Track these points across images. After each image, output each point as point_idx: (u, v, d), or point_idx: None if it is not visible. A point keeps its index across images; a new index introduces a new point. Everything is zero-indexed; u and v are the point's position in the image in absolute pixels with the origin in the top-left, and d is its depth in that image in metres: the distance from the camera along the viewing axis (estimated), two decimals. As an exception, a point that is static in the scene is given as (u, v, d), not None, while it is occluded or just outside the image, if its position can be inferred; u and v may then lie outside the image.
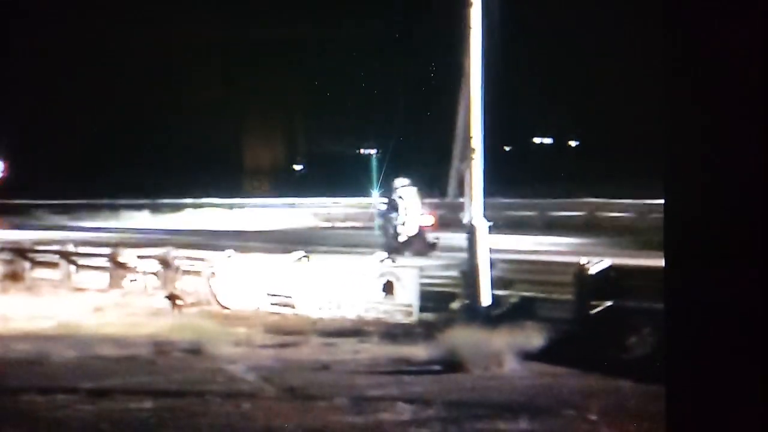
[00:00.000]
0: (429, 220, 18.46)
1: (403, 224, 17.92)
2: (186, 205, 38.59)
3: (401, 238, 18.20)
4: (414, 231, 17.93)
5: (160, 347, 12.96)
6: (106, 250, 19.01)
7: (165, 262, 17.58)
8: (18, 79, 46.47)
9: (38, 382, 10.92)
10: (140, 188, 40.07)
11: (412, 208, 18.05)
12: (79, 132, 49.22)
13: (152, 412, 9.71)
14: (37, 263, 19.35)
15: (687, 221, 2.75)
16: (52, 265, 19.04)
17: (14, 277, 18.98)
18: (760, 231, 2.64)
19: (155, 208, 37.96)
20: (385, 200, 18.78)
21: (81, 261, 18.80)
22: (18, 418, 9.61)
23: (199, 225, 32.74)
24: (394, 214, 18.15)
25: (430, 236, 18.44)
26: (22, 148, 45.68)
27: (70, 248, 19.40)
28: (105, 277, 18.16)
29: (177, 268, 17.45)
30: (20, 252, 19.97)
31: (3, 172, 46.18)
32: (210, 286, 16.78)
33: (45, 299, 17.39)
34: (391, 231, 18.25)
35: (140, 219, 35.93)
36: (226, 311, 16.15)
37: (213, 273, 16.90)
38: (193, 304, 16.57)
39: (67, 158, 46.53)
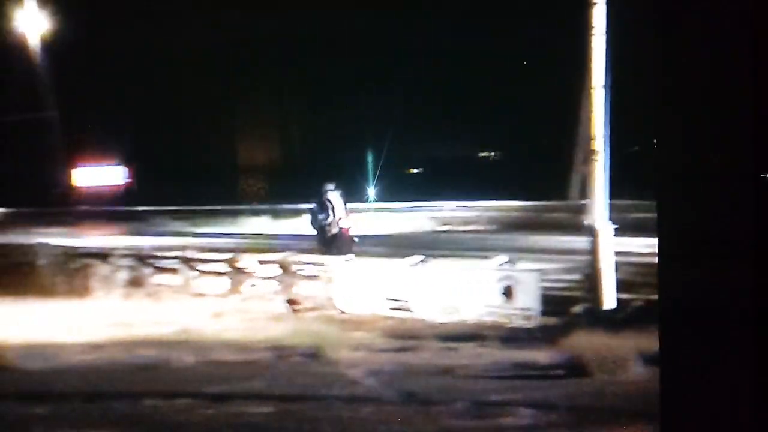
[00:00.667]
0: (349, 222, 20.60)
1: (329, 224, 20.23)
2: (305, 211, 39.02)
3: (327, 236, 20.31)
4: (336, 230, 20.23)
5: (280, 352, 13.18)
6: (226, 256, 19.38)
7: (284, 267, 17.84)
8: (141, 85, 47.75)
9: (160, 386, 11.21)
10: (259, 194, 40.75)
11: (337, 210, 20.37)
12: (201, 139, 50.34)
13: (272, 417, 9.87)
14: (158, 269, 19.84)
15: (680, 221, 2.77)
16: (173, 270, 19.50)
17: (136, 283, 19.51)
18: (751, 230, 2.65)
19: (274, 214, 38.54)
20: (314, 203, 21.18)
21: (201, 267, 19.21)
22: (140, 423, 9.87)
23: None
24: (322, 215, 20.47)
25: (351, 235, 20.63)
26: (145, 155, 46.95)
27: (190, 254, 19.85)
28: (225, 282, 18.51)
29: (296, 273, 17.70)
30: (142, 258, 20.51)
31: (129, 179, 47.58)
32: (328, 291, 16.97)
33: (166, 305, 17.85)
34: (319, 229, 20.55)
35: (259, 224, 36.52)
36: (344, 316, 16.31)
37: (331, 277, 17.09)
38: (311, 309, 16.79)
39: (188, 165, 47.61)
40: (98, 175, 48.65)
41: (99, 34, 45.38)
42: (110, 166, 48.67)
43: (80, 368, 12.59)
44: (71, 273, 20.45)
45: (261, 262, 18.37)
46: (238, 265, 18.51)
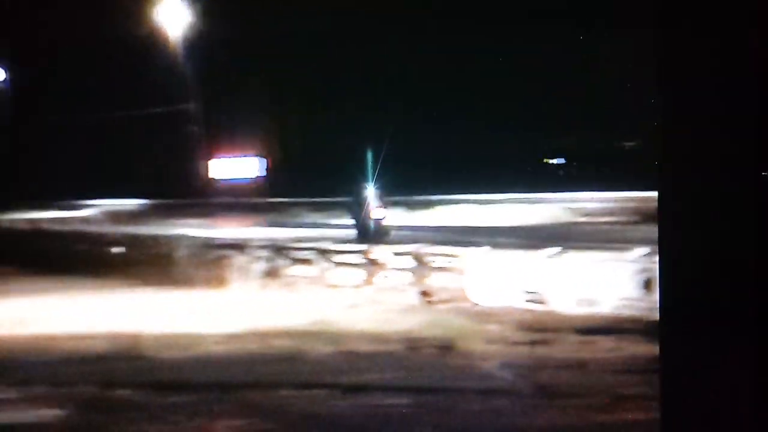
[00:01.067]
0: (382, 213, 23.59)
1: (365, 215, 23.14)
2: (439, 202, 39.08)
3: (363, 225, 23.10)
4: (371, 220, 23.13)
5: (414, 343, 13.26)
6: (360, 247, 19.58)
7: (418, 259, 17.94)
8: (277, 78, 48.44)
9: (295, 377, 11.42)
10: (392, 185, 40.88)
11: (371, 203, 23.30)
12: (334, 130, 50.85)
13: (406, 408, 9.95)
14: (294, 260, 20.19)
15: (682, 222, 2.78)
16: (308, 262, 19.81)
17: (272, 274, 19.90)
18: (753, 231, 2.67)
19: (408, 205, 38.68)
20: (352, 196, 24.33)
21: (336, 258, 19.46)
22: (276, 413, 10.08)
23: (452, 221, 33.10)
24: (357, 207, 23.51)
25: (385, 226, 23.55)
26: (280, 147, 47.67)
27: (325, 245, 20.14)
28: (359, 273, 18.72)
29: (430, 265, 17.77)
30: (278, 249, 20.89)
31: (265, 171, 48.41)
32: (463, 283, 16.98)
33: (301, 295, 18.17)
34: (355, 218, 23.62)
35: (394, 216, 36.68)
36: (478, 308, 16.29)
37: (466, 269, 17.10)
38: (445, 301, 16.83)
39: (322, 156, 48.14)
40: (235, 167, 49.61)
41: (239, 26, 46.22)
42: (247, 158, 49.55)
43: (217, 358, 12.92)
44: (209, 264, 21.00)
45: (395, 254, 18.51)
46: (372, 256, 18.69)
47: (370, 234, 22.49)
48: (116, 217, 37.22)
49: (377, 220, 23.32)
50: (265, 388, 11.09)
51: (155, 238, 25.10)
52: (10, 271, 23.48)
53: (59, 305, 18.00)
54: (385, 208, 23.76)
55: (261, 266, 20.21)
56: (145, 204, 41.88)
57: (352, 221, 23.93)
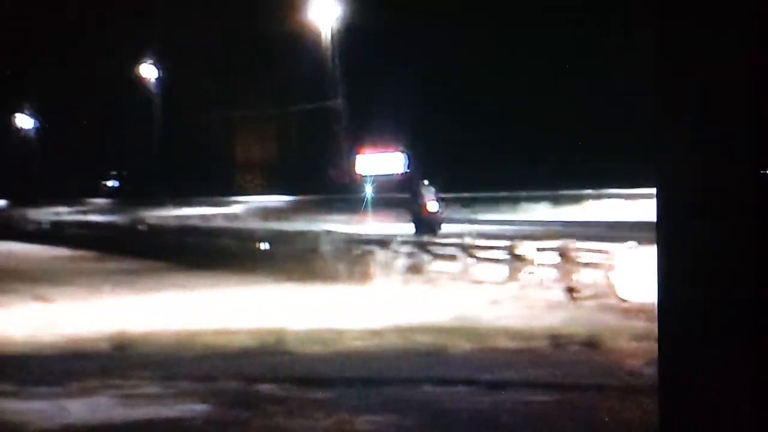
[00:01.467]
0: (436, 206, 25.68)
1: (421, 208, 25.34)
2: (586, 196, 38.49)
3: (419, 220, 25.27)
4: (426, 214, 25.25)
5: (557, 340, 13.03)
6: (505, 243, 19.40)
7: (564, 255, 17.65)
8: (425, 74, 48.52)
9: (437, 373, 11.36)
10: (540, 179, 40.45)
11: (427, 198, 25.36)
12: (481, 125, 50.63)
13: (549, 406, 9.78)
14: (437, 256, 20.16)
15: (679, 218, 2.81)
16: (452, 257, 19.74)
17: (415, 269, 19.91)
18: (751, 228, 2.67)
19: (555, 200, 38.22)
20: (408, 192, 26.87)
21: (479, 253, 19.33)
22: (417, 409, 10.02)
23: (599, 216, 32.55)
24: (414, 202, 25.70)
25: (438, 219, 25.71)
26: (422, 141, 47.75)
27: (469, 241, 20.03)
28: (503, 269, 18.54)
29: (576, 261, 17.47)
30: (421, 245, 20.91)
31: (407, 168, 48.58)
32: (609, 279, 16.63)
33: (444, 291, 18.11)
34: (412, 213, 25.92)
35: (539, 211, 36.34)
36: (625, 304, 15.91)
37: (613, 265, 16.73)
38: (591, 297, 16.51)
39: (467, 151, 47.99)
40: (380, 163, 49.94)
41: (386, 22, 46.49)
42: (392, 154, 49.83)
43: (359, 354, 12.96)
44: (352, 259, 21.16)
45: (539, 250, 18.27)
46: (517, 252, 18.48)
47: (425, 228, 24.53)
48: (263, 213, 37.93)
49: (432, 214, 25.36)
50: (407, 384, 11.07)
51: (300, 234, 25.46)
52: (159, 266, 24.20)
53: (205, 300, 18.43)
54: (438, 201, 25.81)
55: (404, 262, 20.24)
56: (292, 200, 42.57)
57: (410, 217, 26.07)
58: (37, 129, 66.92)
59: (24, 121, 66.89)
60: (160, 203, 43.71)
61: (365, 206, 38.14)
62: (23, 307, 18.40)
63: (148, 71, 57.77)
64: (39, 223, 38.83)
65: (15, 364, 12.85)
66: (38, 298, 19.42)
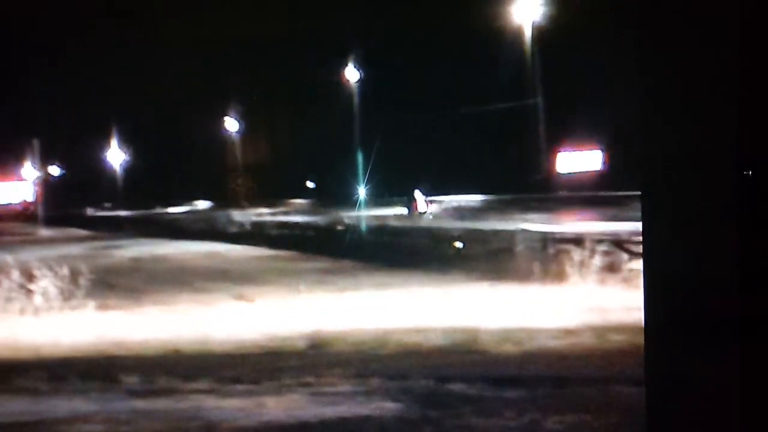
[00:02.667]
0: (424, 206, 36.44)
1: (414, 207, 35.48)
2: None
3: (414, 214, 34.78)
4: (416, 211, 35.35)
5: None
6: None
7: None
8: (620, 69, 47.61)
9: (631, 372, 11.10)
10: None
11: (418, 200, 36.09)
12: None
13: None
14: (635, 255, 19.70)
15: (665, 229, 2.83)
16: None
17: (612, 268, 19.53)
18: (735, 231, 2.71)
19: None
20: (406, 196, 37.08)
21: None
22: (611, 409, 9.85)
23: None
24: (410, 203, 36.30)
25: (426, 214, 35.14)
26: (620, 139, 46.85)
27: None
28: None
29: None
30: (619, 244, 20.48)
31: (604, 164, 47.78)
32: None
33: (640, 291, 17.64)
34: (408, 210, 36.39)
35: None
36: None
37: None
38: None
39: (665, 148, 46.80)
40: (578, 161, 49.33)
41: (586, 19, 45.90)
42: (590, 152, 49.15)
43: (551, 352, 12.84)
44: (548, 258, 20.94)
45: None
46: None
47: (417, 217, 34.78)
48: (458, 212, 38.04)
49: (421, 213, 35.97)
50: (600, 384, 10.87)
51: (496, 233, 25.38)
52: (355, 265, 24.60)
53: (399, 299, 18.62)
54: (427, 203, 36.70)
55: (600, 261, 19.88)
56: (486, 199, 42.53)
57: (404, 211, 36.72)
58: (239, 132, 69.19)
59: (230, 125, 69.28)
60: (359, 203, 44.49)
61: (561, 204, 37.74)
62: (224, 306, 19.09)
63: (351, 74, 58.88)
64: (241, 224, 40.16)
65: (215, 362, 13.34)
66: (239, 297, 20.10)
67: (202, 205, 63.37)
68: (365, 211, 38.91)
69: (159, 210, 61.63)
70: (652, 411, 2.95)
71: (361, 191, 45.78)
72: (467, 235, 25.80)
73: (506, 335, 13.96)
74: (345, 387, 11.46)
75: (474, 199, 43.23)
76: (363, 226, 33.61)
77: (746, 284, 2.80)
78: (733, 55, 2.78)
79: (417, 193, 37.11)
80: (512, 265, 21.09)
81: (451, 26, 47.90)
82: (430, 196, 40.75)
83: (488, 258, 22.14)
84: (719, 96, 2.80)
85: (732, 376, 2.78)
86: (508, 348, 13.19)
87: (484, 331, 14.22)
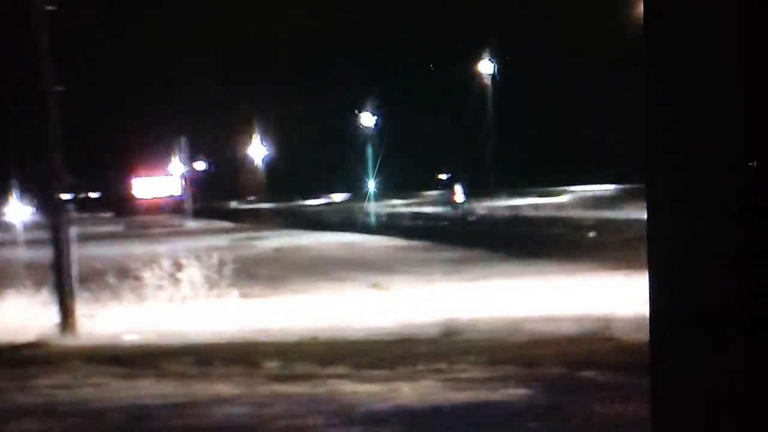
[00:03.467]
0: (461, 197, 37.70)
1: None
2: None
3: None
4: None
5: None
6: None
7: None
8: None
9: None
10: None
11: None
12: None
13: None
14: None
15: (669, 223, 2.78)
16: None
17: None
18: (740, 231, 2.66)
19: None
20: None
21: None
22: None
23: None
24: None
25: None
26: None
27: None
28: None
29: None
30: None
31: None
32: None
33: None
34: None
35: None
36: None
37: None
38: None
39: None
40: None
41: None
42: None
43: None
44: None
45: None
46: None
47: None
48: (591, 202, 37.57)
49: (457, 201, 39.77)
50: None
51: (628, 223, 25.00)
52: (487, 255, 24.59)
53: (531, 288, 18.54)
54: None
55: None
56: (620, 188, 41.85)
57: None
58: (377, 126, 69.62)
59: (366, 120, 69.79)
60: (492, 193, 44.36)
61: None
62: (361, 294, 19.34)
63: (485, 67, 58.68)
64: (377, 215, 40.53)
65: (352, 348, 13.53)
66: (374, 285, 20.31)
67: (339, 197, 64.12)
68: (496, 201, 38.78)
69: (299, 202, 62.67)
70: (657, 405, 2.86)
71: (490, 181, 45.77)
72: (601, 225, 25.49)
73: (640, 324, 13.76)
74: (477, 373, 11.50)
75: (607, 188, 42.60)
76: (494, 215, 33.50)
77: (751, 277, 2.71)
78: (738, 48, 2.78)
79: (456, 185, 42.35)
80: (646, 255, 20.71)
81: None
82: (564, 185, 41.06)
83: (622, 248, 21.82)
84: (723, 90, 2.78)
85: (737, 370, 2.72)
86: (641, 336, 12.99)
87: (617, 319, 14.05)
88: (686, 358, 2.79)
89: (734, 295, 2.73)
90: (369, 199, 52.90)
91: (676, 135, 2.83)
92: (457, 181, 42.44)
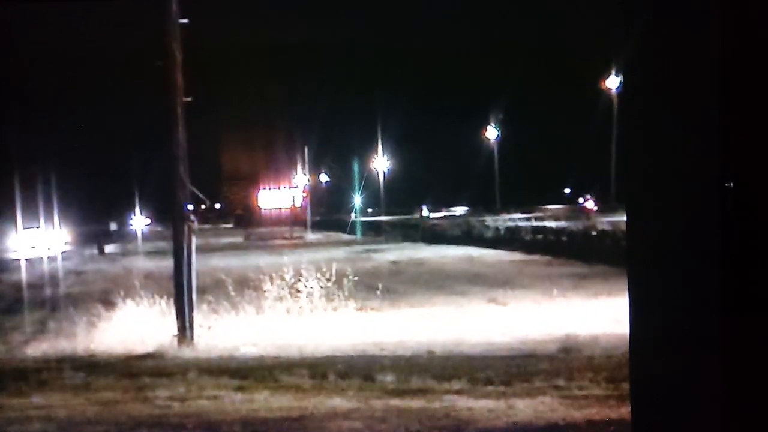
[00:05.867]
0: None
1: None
2: None
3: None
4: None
5: None
6: None
7: None
8: None
9: None
10: None
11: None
12: None
13: None
14: None
15: (649, 224, 2.93)
16: None
17: None
18: (717, 233, 2.80)
19: None
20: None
21: None
22: None
23: None
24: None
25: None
26: None
27: None
28: None
29: None
30: None
31: None
32: None
33: None
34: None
35: None
36: None
37: None
38: None
39: None
40: None
41: None
42: None
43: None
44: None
45: None
46: None
47: None
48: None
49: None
50: None
51: None
52: (609, 270, 24.10)
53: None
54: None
55: None
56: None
57: None
58: (499, 140, 69.60)
59: (490, 133, 69.83)
60: (615, 208, 43.71)
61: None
62: (478, 308, 19.20)
63: (613, 83, 58.00)
64: (496, 228, 40.29)
65: (468, 364, 13.42)
66: (492, 300, 20.15)
67: (460, 210, 64.00)
68: (619, 216, 38.17)
69: (418, 215, 62.65)
70: (637, 421, 3.03)
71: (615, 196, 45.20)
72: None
73: None
74: (596, 391, 11.27)
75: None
76: (618, 230, 32.93)
77: (728, 298, 2.87)
78: (716, 71, 2.87)
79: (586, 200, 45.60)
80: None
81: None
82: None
83: None
84: (701, 113, 2.89)
85: (714, 387, 2.86)
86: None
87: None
88: (664, 375, 2.94)
89: (712, 316, 2.86)
90: (489, 213, 52.69)
91: (655, 161, 2.95)
92: (584, 195, 41.46)
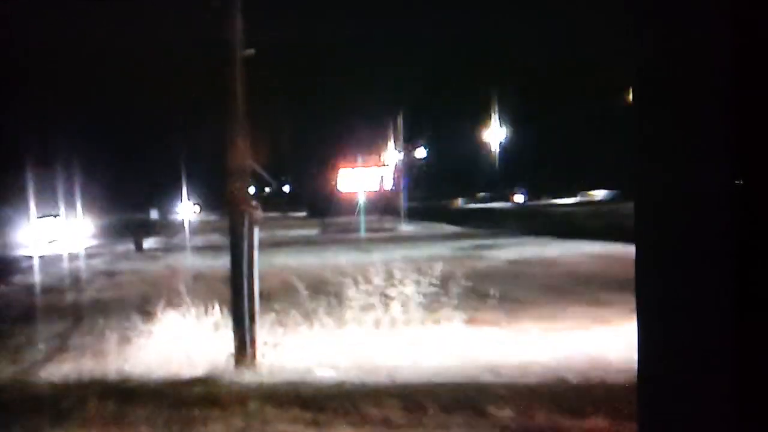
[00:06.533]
0: None
1: None
2: None
3: None
4: None
5: None
6: None
7: None
8: None
9: None
10: None
11: None
12: None
13: None
14: None
15: (658, 221, 3.35)
16: None
17: None
18: (729, 230, 3.19)
19: None
20: None
21: None
22: None
23: None
24: None
25: None
26: None
27: None
28: None
29: None
30: None
31: None
32: None
33: None
34: None
35: None
36: None
37: None
38: None
39: None
40: None
41: None
42: None
43: None
44: None
45: None
46: None
47: None
48: None
49: None
50: None
51: None
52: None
53: None
54: None
55: None
56: None
57: None
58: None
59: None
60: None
61: None
62: (625, 322, 18.93)
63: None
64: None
65: (610, 394, 13.21)
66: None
67: (600, 194, 63.55)
68: None
69: (545, 201, 62.47)
70: (643, 414, 3.44)
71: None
72: None
73: None
74: None
75: None
76: None
77: (741, 298, 3.23)
78: (727, 70, 3.22)
79: None
80: None
81: None
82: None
83: None
84: (712, 109, 3.24)
85: (724, 389, 3.23)
86: None
87: None
88: (674, 401, 3.29)
89: (724, 336, 3.21)
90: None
91: (665, 150, 3.36)
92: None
